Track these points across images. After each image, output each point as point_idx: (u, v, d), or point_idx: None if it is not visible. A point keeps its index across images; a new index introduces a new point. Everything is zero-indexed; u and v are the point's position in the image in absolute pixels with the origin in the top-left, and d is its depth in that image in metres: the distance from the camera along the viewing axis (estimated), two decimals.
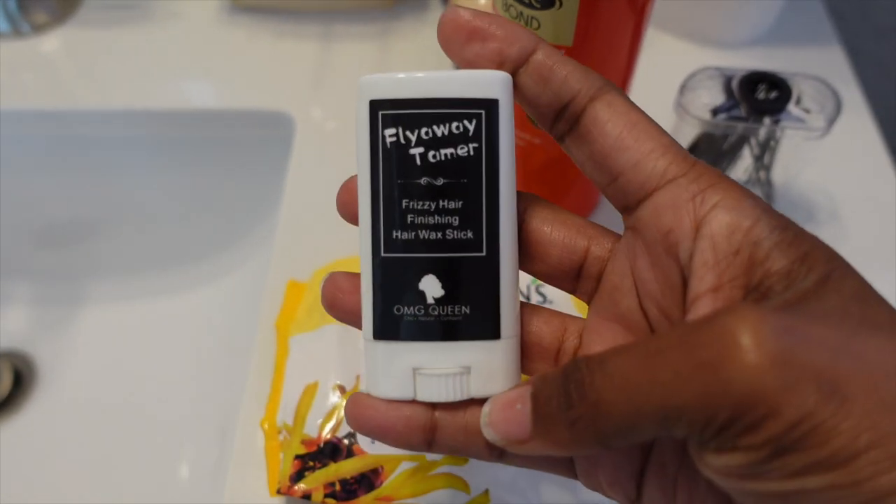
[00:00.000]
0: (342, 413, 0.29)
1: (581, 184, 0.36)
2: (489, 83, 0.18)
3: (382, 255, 0.19)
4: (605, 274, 0.19)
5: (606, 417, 0.15)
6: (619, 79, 0.30)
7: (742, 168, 0.36)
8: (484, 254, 0.19)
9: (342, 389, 0.29)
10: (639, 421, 0.15)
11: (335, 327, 0.31)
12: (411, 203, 0.18)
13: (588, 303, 0.20)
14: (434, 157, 0.18)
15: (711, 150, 0.36)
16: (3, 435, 0.49)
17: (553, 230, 0.20)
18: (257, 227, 0.51)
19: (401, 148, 0.18)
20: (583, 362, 0.16)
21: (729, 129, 0.34)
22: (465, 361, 0.19)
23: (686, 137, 0.36)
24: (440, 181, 0.18)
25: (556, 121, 0.18)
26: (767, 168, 0.37)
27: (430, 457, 0.28)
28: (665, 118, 0.42)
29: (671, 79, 0.45)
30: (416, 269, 0.19)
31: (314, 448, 0.28)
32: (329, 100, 0.45)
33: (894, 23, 0.60)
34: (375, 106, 0.19)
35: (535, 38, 0.18)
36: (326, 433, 0.28)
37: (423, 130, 0.18)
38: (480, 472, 0.28)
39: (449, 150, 0.18)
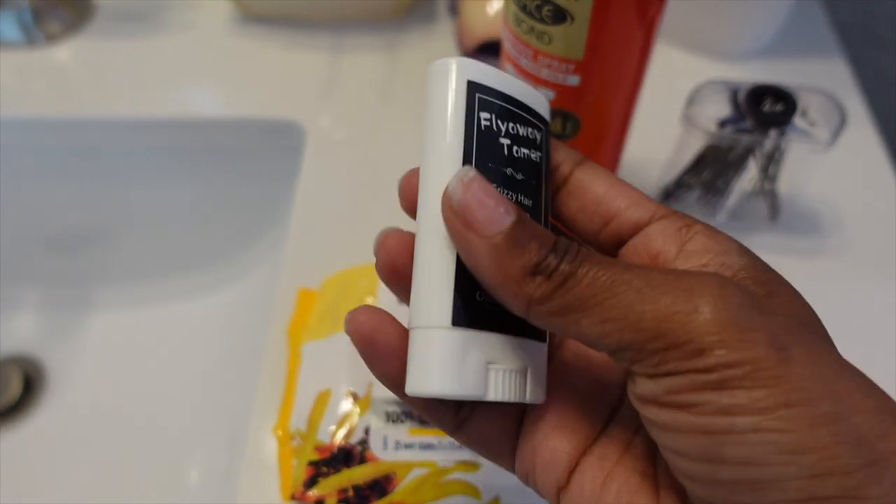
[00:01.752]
0: (355, 420, 0.29)
1: None
2: (545, 105, 0.20)
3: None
4: None
5: (567, 292, 0.16)
6: (629, 91, 0.31)
7: (747, 179, 0.37)
8: None
9: (354, 396, 0.30)
10: (592, 313, 0.16)
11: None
12: (498, 189, 0.17)
13: None
14: (517, 152, 0.19)
15: (717, 162, 0.36)
16: (12, 440, 0.50)
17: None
18: (266, 235, 0.52)
19: (492, 134, 0.18)
20: (581, 248, 0.17)
21: (735, 141, 0.34)
22: (526, 361, 0.18)
23: (692, 149, 0.36)
24: (520, 176, 0.18)
25: None
26: (773, 179, 0.37)
27: (442, 463, 0.28)
28: (670, 129, 0.43)
29: (675, 90, 0.46)
30: None
31: (327, 454, 0.29)
32: (339, 109, 0.46)
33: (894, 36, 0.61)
34: (473, 87, 0.18)
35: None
36: (339, 439, 0.29)
37: (510, 125, 0.19)
38: (491, 479, 0.28)
39: (525, 151, 0.19)
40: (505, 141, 0.18)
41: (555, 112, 0.31)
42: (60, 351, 0.54)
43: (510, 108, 0.19)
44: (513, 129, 0.19)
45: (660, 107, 0.45)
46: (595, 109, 0.31)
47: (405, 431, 0.29)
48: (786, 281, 0.18)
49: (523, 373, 0.18)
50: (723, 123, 0.34)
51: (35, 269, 0.55)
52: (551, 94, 0.30)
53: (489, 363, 0.17)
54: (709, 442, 0.15)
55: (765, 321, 0.15)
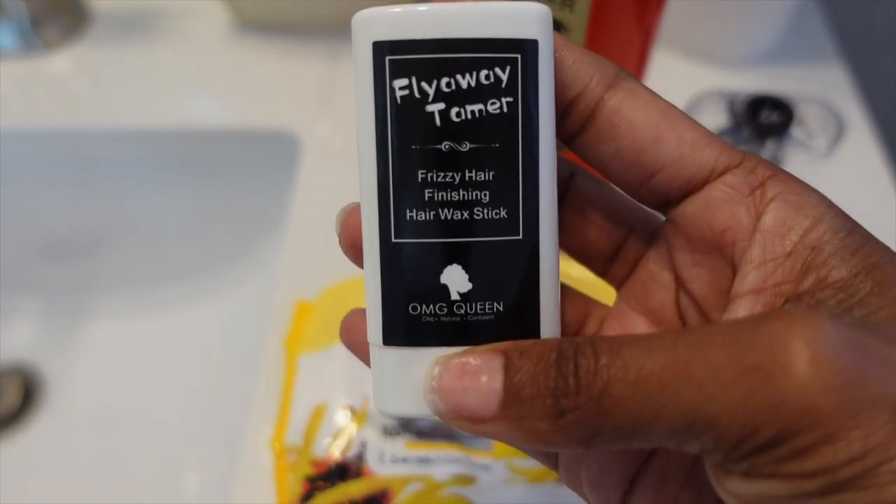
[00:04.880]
0: (351, 433, 0.29)
1: None
2: (526, 19, 0.14)
3: (393, 240, 0.15)
4: (641, 261, 0.17)
5: (608, 415, 0.12)
6: None
7: None
8: (521, 237, 0.15)
9: (351, 409, 0.30)
10: (651, 426, 0.12)
11: (344, 348, 0.31)
12: (430, 175, 0.15)
13: (617, 289, 0.18)
14: (459, 114, 0.14)
15: None
16: (12, 450, 0.50)
17: (595, 206, 0.17)
18: (263, 244, 0.52)
19: (415, 104, 0.14)
20: (588, 344, 0.13)
21: None
22: None
23: None
24: (466, 146, 0.15)
25: (564, 118, 0.15)
26: None
27: (439, 478, 0.28)
28: None
29: (673, 97, 0.46)
30: (437, 257, 0.15)
31: (323, 469, 0.28)
32: (336, 118, 0.46)
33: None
34: (380, 49, 0.14)
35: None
36: (336, 454, 0.29)
37: (445, 81, 0.14)
38: (488, 494, 0.28)
39: (477, 107, 0.14)
40: (436, 107, 0.14)
41: None
42: (59, 360, 0.54)
43: (444, 57, 0.14)
44: (448, 84, 0.14)
45: None
46: None
47: (402, 445, 0.29)
48: (894, 256, 0.14)
49: None
50: (720, 134, 0.34)
51: (33, 277, 0.55)
52: None
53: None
54: None
55: (880, 381, 0.11)
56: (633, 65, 0.29)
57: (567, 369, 0.13)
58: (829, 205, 0.15)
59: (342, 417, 0.30)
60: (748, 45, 0.47)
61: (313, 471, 0.28)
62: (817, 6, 0.53)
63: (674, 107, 0.16)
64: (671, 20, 0.47)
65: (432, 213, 0.15)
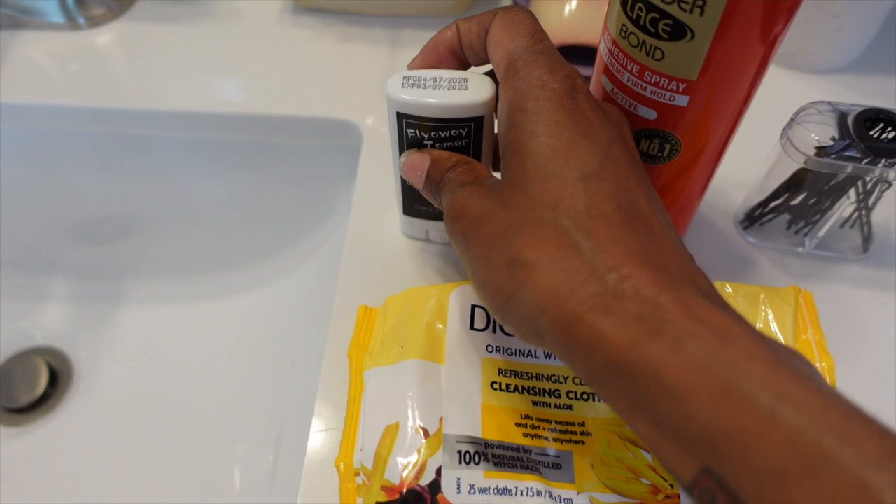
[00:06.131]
0: (425, 458, 0.27)
1: (673, 218, 0.34)
2: (477, 107, 0.29)
3: (408, 183, 0.32)
4: None
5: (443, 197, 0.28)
6: (737, 112, 0.28)
7: (843, 206, 0.34)
8: None
9: (426, 433, 0.28)
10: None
11: (415, 363, 0.29)
12: None
13: None
14: (439, 146, 0.30)
15: (814, 188, 0.34)
16: (37, 434, 0.48)
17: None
18: (308, 237, 0.50)
19: (418, 139, 0.30)
20: (454, 175, 0.28)
21: (838, 168, 0.32)
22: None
23: (785, 172, 0.34)
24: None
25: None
26: (870, 209, 0.34)
27: None
28: (749, 145, 0.40)
29: (760, 104, 0.43)
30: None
31: (396, 496, 0.26)
32: None
33: None
34: (401, 116, 0.30)
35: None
36: (409, 480, 0.27)
37: (433, 133, 0.30)
38: None
39: (449, 143, 0.30)
40: (428, 142, 0.30)
41: (654, 133, 0.28)
42: (88, 344, 0.52)
43: (431, 123, 0.29)
44: (434, 134, 0.30)
45: (744, 120, 0.42)
46: (699, 132, 0.28)
47: (480, 474, 0.27)
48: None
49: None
50: (830, 149, 0.31)
51: (65, 259, 0.53)
52: (653, 114, 0.27)
53: (427, 230, 0.36)
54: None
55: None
56: (751, 78, 0.26)
57: (440, 187, 0.28)
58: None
59: (416, 440, 0.27)
60: (840, 53, 0.44)
61: (385, 498, 0.26)
62: None
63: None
64: None
65: None
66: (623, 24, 0.26)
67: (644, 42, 0.25)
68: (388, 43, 0.46)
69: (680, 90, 0.26)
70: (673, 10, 0.24)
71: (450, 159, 0.29)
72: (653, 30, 0.25)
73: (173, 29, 0.47)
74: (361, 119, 0.42)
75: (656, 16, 0.24)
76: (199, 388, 0.48)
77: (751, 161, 0.38)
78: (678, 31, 0.24)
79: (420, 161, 0.29)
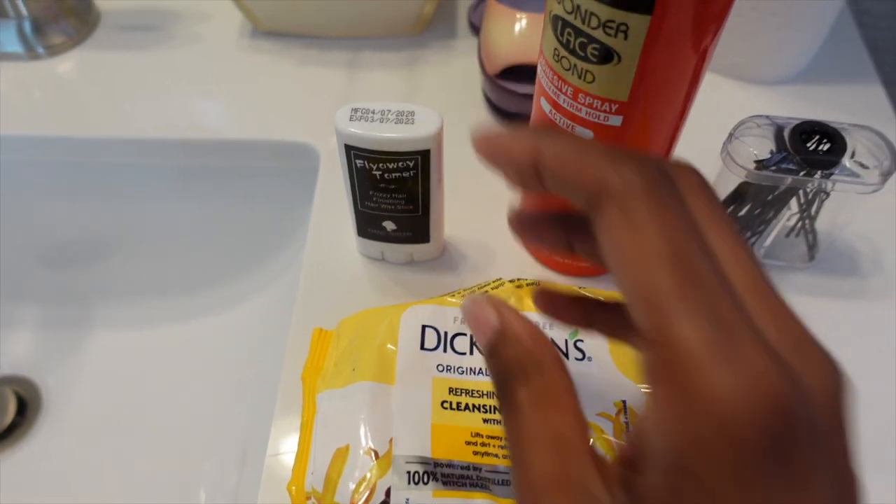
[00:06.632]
0: (375, 481, 0.27)
1: None
2: (426, 140, 0.30)
3: (360, 209, 0.34)
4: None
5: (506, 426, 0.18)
6: (673, 127, 0.29)
7: (787, 216, 0.35)
8: (419, 213, 0.34)
9: (375, 454, 0.28)
10: None
11: (366, 385, 0.30)
12: (374, 193, 0.33)
13: None
14: (387, 175, 0.31)
15: (756, 200, 0.34)
16: (5, 465, 0.48)
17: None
18: (272, 260, 0.50)
19: (367, 170, 0.31)
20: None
21: (778, 180, 0.32)
22: (408, 251, 0.36)
23: (730, 185, 0.34)
24: (393, 186, 0.32)
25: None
26: (813, 218, 0.35)
27: None
28: (696, 158, 0.40)
29: (707, 115, 0.44)
30: (380, 218, 0.34)
31: None
32: None
33: None
34: (349, 147, 0.30)
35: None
36: (358, 502, 0.27)
37: (381, 164, 0.31)
38: None
39: (397, 174, 0.31)
40: (376, 172, 0.31)
41: None
42: (56, 372, 0.52)
43: (378, 155, 0.30)
44: (381, 166, 0.31)
45: (690, 134, 0.43)
46: (637, 149, 0.29)
47: (429, 494, 0.27)
48: None
49: (409, 252, 0.36)
50: (766, 162, 0.32)
51: (32, 287, 0.53)
52: (589, 133, 0.28)
53: (382, 251, 0.37)
54: None
55: None
56: (684, 93, 0.27)
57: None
58: None
59: (365, 463, 0.28)
60: (788, 64, 0.45)
61: None
62: (850, 22, 0.51)
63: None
64: None
65: (376, 204, 0.33)
66: (555, 48, 0.27)
67: (575, 65, 0.26)
68: (346, 65, 0.47)
69: (613, 111, 0.27)
70: (599, 34, 0.24)
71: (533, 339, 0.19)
72: (582, 54, 0.25)
73: (133, 56, 0.48)
74: (319, 141, 0.43)
75: (584, 41, 0.25)
76: (166, 410, 0.48)
77: (713, 171, 0.39)
78: (606, 55, 0.25)
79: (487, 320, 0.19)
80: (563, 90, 0.27)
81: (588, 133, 0.28)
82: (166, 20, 0.50)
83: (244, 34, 0.49)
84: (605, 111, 0.27)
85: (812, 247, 0.37)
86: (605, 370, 0.31)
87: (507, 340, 0.18)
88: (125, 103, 0.45)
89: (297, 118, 0.44)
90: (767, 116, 0.33)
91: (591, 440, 0.29)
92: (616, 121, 0.27)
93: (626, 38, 0.24)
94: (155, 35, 0.49)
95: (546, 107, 0.29)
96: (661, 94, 0.27)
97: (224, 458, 0.44)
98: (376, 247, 0.36)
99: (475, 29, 0.48)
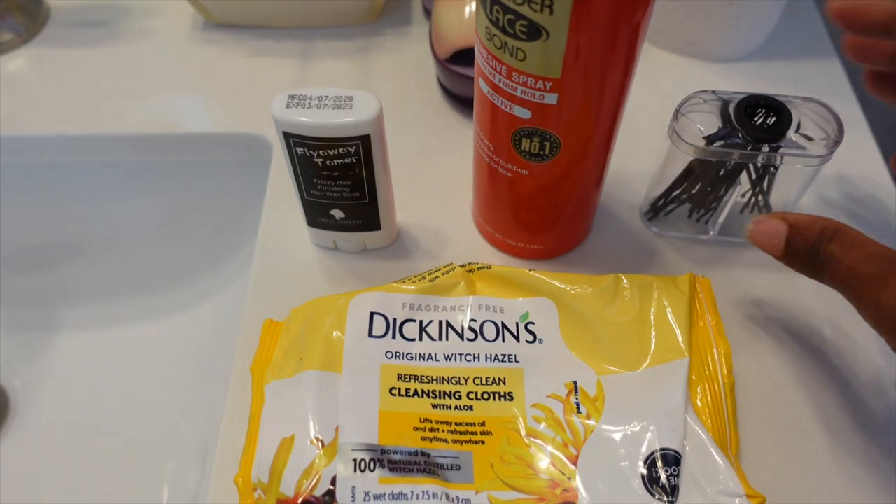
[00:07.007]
0: (320, 470, 0.27)
1: (570, 214, 0.34)
2: (365, 125, 0.29)
3: (306, 198, 0.33)
4: None
5: (830, 274, 0.27)
6: (612, 104, 0.29)
7: (739, 192, 0.35)
8: (367, 200, 0.33)
9: (321, 443, 0.28)
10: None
11: (313, 374, 0.29)
12: (318, 181, 0.32)
13: None
14: (329, 162, 0.31)
15: (707, 177, 0.34)
16: None
17: None
18: (235, 253, 0.49)
19: (308, 157, 0.31)
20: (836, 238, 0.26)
21: (725, 156, 0.32)
22: (361, 238, 0.36)
23: (681, 162, 0.34)
24: (336, 173, 0.31)
25: None
26: (766, 193, 0.35)
27: None
28: (657, 138, 0.40)
29: (663, 94, 0.44)
30: (328, 206, 0.34)
31: None
32: None
33: None
34: (287, 135, 0.30)
35: None
36: (304, 492, 0.27)
37: (320, 151, 0.30)
38: None
39: (339, 160, 0.31)
40: (318, 160, 0.31)
41: (532, 132, 0.29)
42: (22, 375, 0.51)
43: (319, 142, 0.30)
44: (322, 153, 0.30)
45: (643, 109, 0.43)
46: (576, 127, 0.28)
47: (375, 481, 0.27)
48: None
49: (360, 241, 0.36)
50: (713, 138, 0.32)
51: None
52: (527, 113, 0.28)
53: (334, 240, 0.36)
54: None
55: None
56: (619, 69, 0.27)
57: (820, 248, 0.27)
58: None
59: (310, 452, 0.27)
60: (742, 41, 0.45)
61: None
62: None
63: None
64: (664, 17, 0.45)
65: (321, 192, 0.33)
66: (487, 27, 0.26)
67: (506, 43, 0.26)
68: (299, 55, 0.46)
69: (547, 89, 0.27)
70: (525, 10, 0.24)
71: (813, 226, 0.27)
72: (511, 31, 0.25)
73: (85, 52, 0.47)
74: (272, 132, 0.42)
75: (512, 17, 0.25)
76: (133, 410, 0.48)
77: (654, 150, 0.39)
78: (534, 32, 0.25)
79: (775, 228, 0.28)
80: (499, 69, 0.27)
81: (526, 113, 0.28)
82: (118, 15, 0.49)
83: (196, 27, 0.48)
84: (539, 89, 0.27)
85: None
86: (556, 351, 0.31)
87: (802, 227, 0.27)
88: (77, 100, 0.45)
89: (251, 109, 0.44)
90: (714, 92, 0.33)
91: (542, 422, 0.29)
92: (552, 98, 0.27)
93: (551, 13, 0.24)
94: (106, 30, 0.48)
95: (484, 87, 0.29)
96: (594, 71, 0.26)
97: (186, 456, 0.44)
98: (328, 236, 0.36)
99: (429, 14, 0.47)
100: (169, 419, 0.46)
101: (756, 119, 0.32)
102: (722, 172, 0.34)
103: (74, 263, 0.52)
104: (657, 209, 0.37)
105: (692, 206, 0.36)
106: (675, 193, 0.36)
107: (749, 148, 0.32)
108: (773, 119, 0.31)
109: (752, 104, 0.32)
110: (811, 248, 0.27)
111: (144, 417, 0.47)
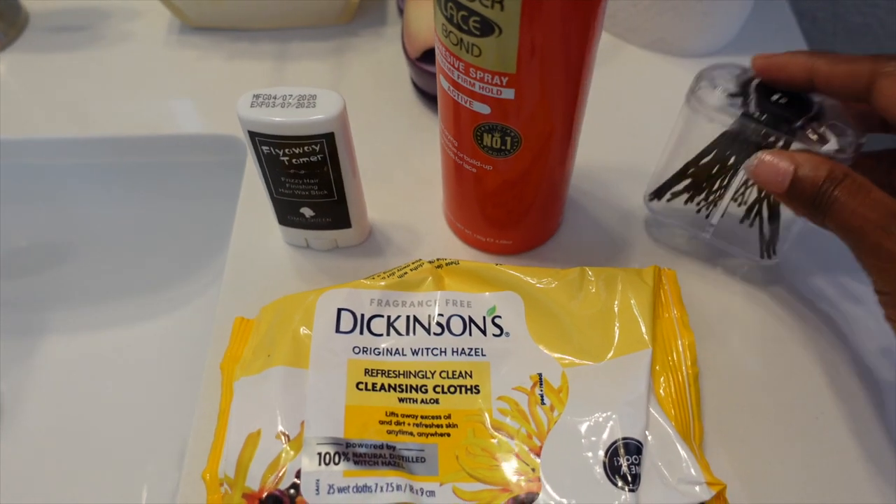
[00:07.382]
0: (286, 463, 0.27)
1: (537, 209, 0.34)
2: (328, 123, 0.29)
3: (276, 196, 0.34)
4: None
5: (834, 218, 0.26)
6: (572, 98, 0.29)
7: (741, 180, 0.33)
8: (335, 198, 0.34)
9: (287, 437, 0.28)
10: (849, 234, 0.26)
11: (280, 370, 0.30)
12: (286, 179, 0.32)
13: None
14: (295, 161, 0.31)
15: (721, 153, 0.32)
16: None
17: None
18: (217, 255, 0.50)
19: (274, 156, 0.31)
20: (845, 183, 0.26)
21: (744, 127, 0.30)
22: (333, 236, 0.37)
23: (696, 136, 0.32)
24: (302, 171, 0.32)
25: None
26: (773, 212, 0.33)
27: None
28: (625, 131, 0.41)
29: (637, 91, 0.44)
30: (297, 204, 0.34)
31: (255, 502, 0.27)
32: None
33: (864, 22, 0.59)
34: (253, 134, 0.30)
35: None
36: (269, 485, 0.27)
37: (287, 150, 0.30)
38: None
39: (305, 158, 0.31)
40: (284, 158, 0.31)
41: (493, 127, 0.29)
42: (8, 379, 0.51)
43: (283, 141, 0.30)
44: (288, 151, 0.30)
45: (615, 104, 0.43)
46: (535, 122, 0.29)
47: (340, 474, 0.27)
48: None
49: (332, 239, 0.37)
50: (730, 99, 0.30)
51: None
52: (486, 108, 0.28)
53: (306, 238, 0.37)
54: None
55: None
56: (576, 63, 0.27)
57: (824, 189, 0.27)
58: None
59: (276, 446, 0.28)
60: (712, 34, 0.45)
61: None
62: None
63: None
64: (635, 15, 0.45)
65: (290, 190, 0.33)
66: (443, 24, 0.27)
67: (462, 40, 0.26)
68: (275, 57, 0.47)
69: (504, 84, 0.27)
70: (477, 6, 0.24)
71: (820, 168, 0.27)
72: (466, 27, 0.26)
73: (64, 56, 0.47)
74: None
75: (465, 13, 0.25)
76: (116, 412, 0.48)
77: (644, 146, 0.39)
78: (487, 28, 0.25)
79: (782, 167, 0.27)
80: (457, 66, 0.27)
81: (485, 108, 0.28)
82: (96, 19, 0.49)
83: (173, 31, 0.48)
84: (496, 84, 0.27)
85: (769, 245, 0.35)
86: (522, 344, 0.32)
87: (811, 168, 0.27)
88: (57, 104, 0.45)
89: (228, 111, 0.44)
90: (738, 65, 0.32)
91: (507, 414, 0.30)
92: (509, 94, 0.27)
93: (502, 8, 0.24)
94: (85, 35, 0.49)
95: (445, 84, 0.29)
96: (550, 66, 0.27)
97: (166, 456, 0.44)
98: (299, 234, 0.36)
99: (402, 15, 0.48)
100: (150, 421, 0.47)
101: (774, 98, 0.30)
102: (733, 152, 0.31)
103: (55, 266, 0.53)
104: (665, 187, 0.35)
105: (692, 193, 0.34)
106: (704, 160, 0.33)
107: (762, 126, 0.29)
108: (786, 101, 0.30)
109: (770, 86, 0.30)
110: (817, 191, 0.26)
111: (128, 420, 0.48)
